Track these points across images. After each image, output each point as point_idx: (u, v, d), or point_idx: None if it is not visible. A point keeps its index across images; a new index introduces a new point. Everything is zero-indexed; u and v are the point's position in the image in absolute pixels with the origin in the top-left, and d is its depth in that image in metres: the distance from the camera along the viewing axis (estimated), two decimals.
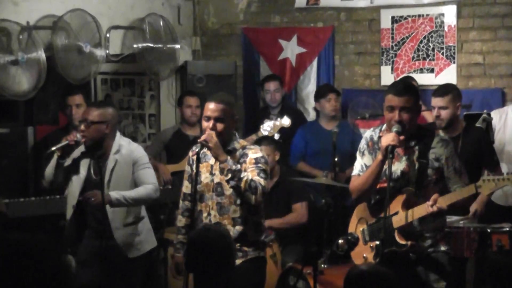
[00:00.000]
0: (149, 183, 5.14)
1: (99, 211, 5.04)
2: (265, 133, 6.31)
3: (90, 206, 5.03)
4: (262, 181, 4.43)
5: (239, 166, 4.42)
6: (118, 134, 5.23)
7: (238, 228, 4.51)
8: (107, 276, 5.05)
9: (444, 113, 5.48)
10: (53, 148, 5.16)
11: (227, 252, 3.68)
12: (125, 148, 5.16)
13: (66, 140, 5.15)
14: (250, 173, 4.43)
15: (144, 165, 5.18)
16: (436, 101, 5.51)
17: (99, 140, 5.12)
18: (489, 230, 5.13)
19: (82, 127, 5.11)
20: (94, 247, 5.12)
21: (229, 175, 4.39)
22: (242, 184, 4.38)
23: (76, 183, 5.17)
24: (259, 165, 4.47)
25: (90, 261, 5.11)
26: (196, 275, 3.68)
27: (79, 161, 5.19)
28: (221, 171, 4.45)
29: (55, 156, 5.16)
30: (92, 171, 5.16)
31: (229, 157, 4.43)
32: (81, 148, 5.20)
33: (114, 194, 4.99)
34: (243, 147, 4.56)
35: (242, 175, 4.38)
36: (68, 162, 5.17)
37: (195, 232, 3.90)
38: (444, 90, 5.59)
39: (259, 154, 4.53)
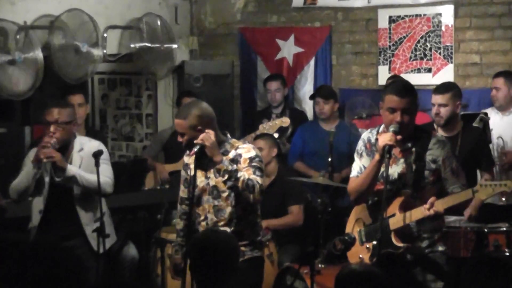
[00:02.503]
0: (105, 177, 5.03)
1: (68, 211, 5.01)
2: (264, 132, 6.32)
3: (58, 207, 5.00)
4: (259, 179, 4.42)
5: (235, 166, 4.42)
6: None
7: (234, 228, 4.50)
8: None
9: (444, 111, 5.46)
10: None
11: (234, 254, 3.66)
12: (87, 146, 5.08)
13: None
14: (246, 172, 4.42)
15: (102, 160, 5.01)
16: (436, 98, 5.50)
17: (69, 140, 5.05)
18: (486, 230, 5.14)
19: (53, 129, 4.93)
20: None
21: (226, 176, 4.41)
22: (240, 184, 4.38)
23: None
24: (254, 163, 4.47)
25: None
26: (200, 278, 3.61)
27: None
28: (218, 171, 4.46)
29: (30, 165, 4.97)
30: (54, 173, 5.04)
31: (224, 158, 4.44)
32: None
33: (73, 169, 4.91)
34: (236, 148, 4.55)
35: (238, 175, 4.39)
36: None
37: (202, 234, 3.86)
38: (445, 87, 5.59)
39: (253, 153, 4.52)
